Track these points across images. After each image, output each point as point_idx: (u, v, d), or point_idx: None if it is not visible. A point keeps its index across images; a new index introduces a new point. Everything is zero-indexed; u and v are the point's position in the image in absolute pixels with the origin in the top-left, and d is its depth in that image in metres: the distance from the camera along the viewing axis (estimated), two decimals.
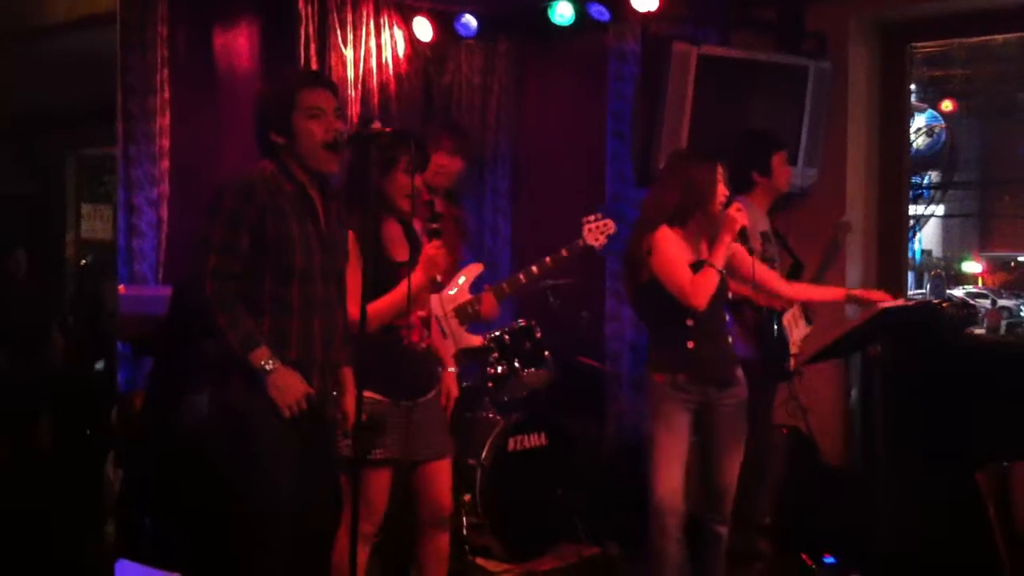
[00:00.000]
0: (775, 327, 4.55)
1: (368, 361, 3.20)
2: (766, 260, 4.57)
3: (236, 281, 3.00)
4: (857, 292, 4.40)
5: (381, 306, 3.47)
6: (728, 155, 4.68)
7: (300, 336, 3.08)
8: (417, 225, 3.74)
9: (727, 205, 3.90)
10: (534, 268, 4.67)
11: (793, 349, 4.65)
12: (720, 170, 3.96)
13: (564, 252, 4.59)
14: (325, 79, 3.62)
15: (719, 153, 4.08)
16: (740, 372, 4.08)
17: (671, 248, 3.87)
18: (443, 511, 3.72)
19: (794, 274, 4.74)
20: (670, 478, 3.89)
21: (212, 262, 3.00)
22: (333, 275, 3.18)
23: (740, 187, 4.66)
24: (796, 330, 4.70)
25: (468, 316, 4.62)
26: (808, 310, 4.74)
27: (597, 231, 4.51)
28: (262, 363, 2.96)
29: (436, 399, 3.72)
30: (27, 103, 2.77)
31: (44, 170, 3.09)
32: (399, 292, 3.47)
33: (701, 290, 3.82)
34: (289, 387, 3.00)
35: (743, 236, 3.90)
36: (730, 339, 4.10)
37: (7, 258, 2.99)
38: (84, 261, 3.86)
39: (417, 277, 3.46)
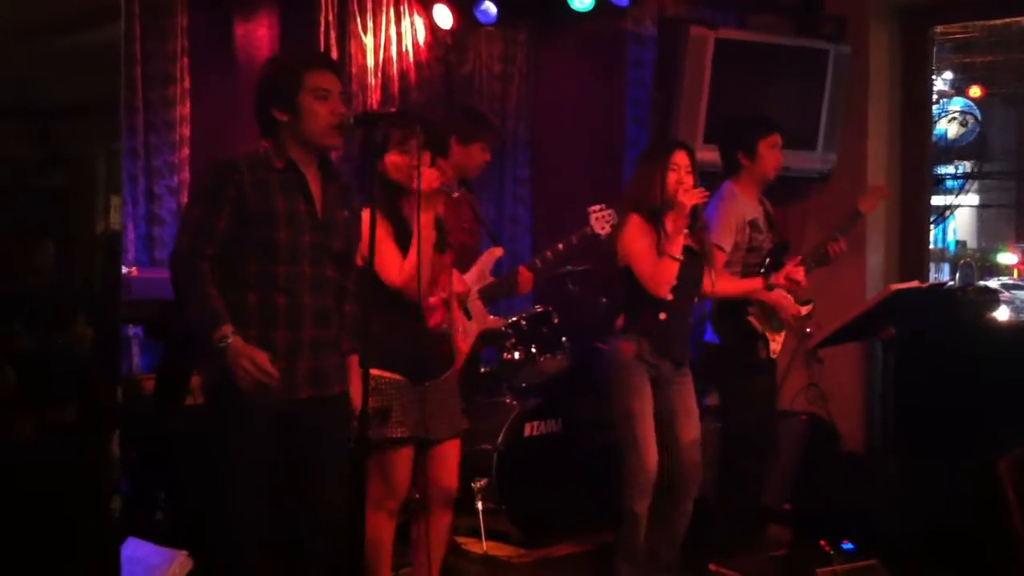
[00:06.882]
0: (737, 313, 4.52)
1: (388, 341, 3.28)
2: (752, 249, 4.56)
3: (211, 261, 3.00)
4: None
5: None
6: (718, 140, 4.70)
7: (288, 313, 3.05)
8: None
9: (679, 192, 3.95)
10: (548, 253, 4.73)
11: (777, 340, 4.58)
12: (683, 157, 4.00)
13: (574, 239, 4.68)
14: (332, 61, 3.63)
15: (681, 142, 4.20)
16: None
17: (636, 237, 4.02)
18: (451, 491, 3.77)
19: (780, 253, 4.66)
20: (651, 448, 4.03)
21: (185, 244, 3.03)
22: (330, 255, 3.14)
23: (728, 172, 4.64)
24: None
25: (503, 292, 4.71)
26: (797, 292, 4.67)
27: (603, 220, 4.58)
28: (218, 341, 2.92)
29: (452, 378, 3.77)
30: (57, 96, 2.80)
31: (77, 162, 3.11)
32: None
33: (660, 280, 3.97)
34: (248, 363, 2.93)
35: (694, 216, 3.95)
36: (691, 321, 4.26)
37: (36, 249, 3.02)
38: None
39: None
